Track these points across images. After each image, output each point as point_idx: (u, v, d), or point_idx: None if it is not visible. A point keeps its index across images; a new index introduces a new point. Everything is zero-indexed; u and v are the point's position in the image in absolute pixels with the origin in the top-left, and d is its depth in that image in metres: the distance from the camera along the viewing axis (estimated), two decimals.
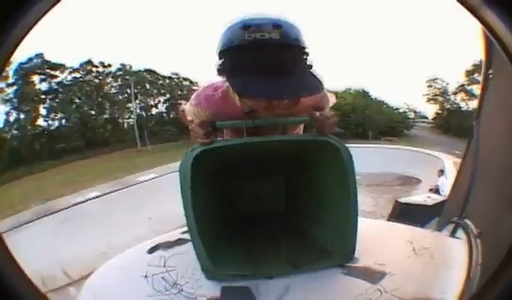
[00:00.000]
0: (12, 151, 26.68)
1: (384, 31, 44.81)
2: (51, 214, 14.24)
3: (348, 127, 37.35)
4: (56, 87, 32.95)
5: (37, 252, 11.57)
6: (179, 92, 43.19)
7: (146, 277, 1.68)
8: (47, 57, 31.75)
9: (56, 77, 32.96)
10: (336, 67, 45.39)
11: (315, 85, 1.43)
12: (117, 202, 16.37)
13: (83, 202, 15.68)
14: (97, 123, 35.16)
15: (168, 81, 42.81)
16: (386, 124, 38.23)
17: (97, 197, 16.39)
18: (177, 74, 43.18)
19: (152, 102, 41.68)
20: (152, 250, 2.02)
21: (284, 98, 1.49)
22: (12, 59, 1.00)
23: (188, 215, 1.58)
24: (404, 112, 42.36)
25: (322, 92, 1.64)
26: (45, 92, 32.15)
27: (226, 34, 1.37)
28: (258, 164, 2.08)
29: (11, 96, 28.91)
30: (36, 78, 31.50)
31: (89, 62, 35.64)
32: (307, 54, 1.42)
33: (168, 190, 12.41)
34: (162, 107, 42.67)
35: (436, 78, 39.94)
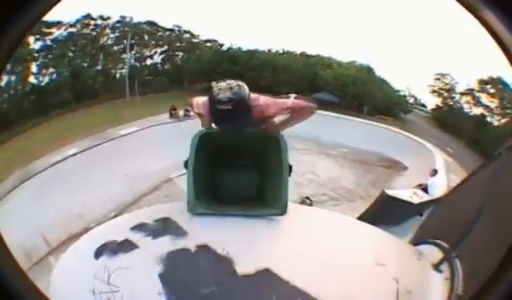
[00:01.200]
0: (1, 114, 25.82)
1: (408, 15, 42.87)
2: (30, 179, 14.01)
3: (344, 98, 37.46)
4: (50, 43, 31.47)
5: (18, 222, 11.52)
6: (178, 44, 43.17)
7: (94, 293, 1.77)
8: (44, 18, 30.08)
9: (51, 34, 31.37)
10: (347, 38, 44.49)
11: (248, 123, 2.77)
12: (96, 159, 16.22)
13: (62, 160, 15.43)
14: (87, 75, 34.06)
15: (167, 33, 42.25)
16: (384, 103, 37.88)
17: (75, 154, 16.13)
18: (178, 26, 42.76)
19: (148, 53, 40.93)
20: (98, 253, 2.12)
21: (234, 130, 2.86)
22: None
23: (190, 165, 2.73)
24: (404, 96, 42.14)
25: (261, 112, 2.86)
26: (38, 51, 30.64)
27: (210, 99, 2.64)
28: (237, 158, 3.50)
29: None
30: (31, 39, 29.66)
31: (88, 16, 34.36)
32: (248, 106, 2.66)
33: (148, 144, 14.47)
34: (157, 58, 42.11)
35: (446, 74, 39.65)
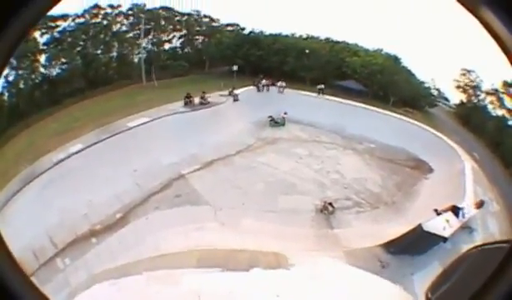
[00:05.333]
0: (10, 108, 25.58)
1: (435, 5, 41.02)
2: (35, 179, 13.56)
3: (371, 87, 36.10)
4: (58, 35, 31.06)
5: (25, 224, 11.33)
6: (197, 29, 42.54)
7: None
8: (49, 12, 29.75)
9: (58, 27, 31.03)
10: (371, 25, 43.00)
11: None
12: (102, 154, 15.47)
13: (67, 158, 14.84)
14: (100, 62, 33.73)
15: (186, 17, 41.60)
16: (411, 95, 36.37)
17: (81, 150, 15.44)
18: (197, 11, 42.21)
19: (165, 38, 40.45)
20: None
21: None
22: None
23: None
24: (429, 88, 40.34)
25: None
26: (46, 43, 30.24)
27: None
28: None
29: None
30: (37, 34, 29.33)
31: (96, 6, 33.91)
32: None
33: (158, 137, 13.76)
34: (176, 42, 41.53)
35: (473, 71, 38.20)
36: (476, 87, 38.21)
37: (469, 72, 38.33)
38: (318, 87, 30.10)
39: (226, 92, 26.04)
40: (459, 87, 39.44)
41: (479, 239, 11.76)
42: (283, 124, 26.14)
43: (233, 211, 14.63)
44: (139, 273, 8.15)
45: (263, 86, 29.31)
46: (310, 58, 38.60)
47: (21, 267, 1.22)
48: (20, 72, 27.53)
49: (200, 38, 43.17)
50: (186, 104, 22.33)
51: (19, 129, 20.90)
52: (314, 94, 29.65)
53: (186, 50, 42.16)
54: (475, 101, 38.21)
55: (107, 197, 14.28)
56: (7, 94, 26.56)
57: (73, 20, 32.14)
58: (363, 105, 28.24)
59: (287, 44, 40.50)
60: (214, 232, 13.14)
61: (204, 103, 22.90)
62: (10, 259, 1.21)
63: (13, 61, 26.44)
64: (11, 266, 1.20)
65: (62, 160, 14.60)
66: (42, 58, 29.68)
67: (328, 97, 29.34)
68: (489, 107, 36.47)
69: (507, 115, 34.01)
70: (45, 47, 29.88)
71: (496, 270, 1.19)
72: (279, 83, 29.62)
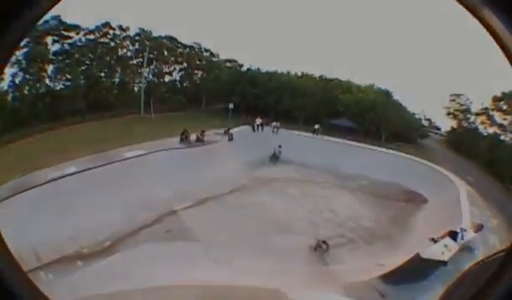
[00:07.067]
0: (12, 111, 26.11)
1: (423, 36, 42.61)
2: (27, 190, 13.53)
3: (363, 124, 36.53)
4: (68, 47, 31.82)
5: (12, 232, 10.95)
6: (197, 62, 43.49)
7: None
8: (63, 18, 30.62)
9: (70, 37, 31.88)
10: (364, 62, 44.15)
11: None
12: (96, 181, 15.38)
13: (60, 177, 14.82)
14: (101, 86, 34.09)
15: (187, 50, 42.45)
16: (403, 129, 36.91)
17: (75, 173, 15.44)
18: (198, 44, 43.27)
19: (166, 70, 41.09)
20: None
21: None
22: None
23: None
24: (420, 119, 41.79)
25: None
26: (55, 53, 31.00)
27: None
28: None
29: (19, 58, 27.60)
30: (49, 39, 30.41)
31: (107, 25, 34.79)
32: None
33: (152, 171, 13.57)
34: (176, 75, 42.41)
35: (461, 94, 39.63)
36: (466, 111, 39.45)
37: (458, 96, 39.81)
38: (315, 127, 30.71)
39: (221, 131, 26.34)
40: (449, 113, 40.89)
41: (481, 256, 11.58)
42: (279, 157, 26.88)
43: (226, 249, 14.19)
44: None
45: (258, 126, 29.72)
46: (305, 97, 39.22)
47: (20, 267, 1.24)
48: (27, 76, 28.30)
49: (199, 73, 44.03)
50: (182, 140, 22.51)
51: (17, 137, 21.42)
52: (308, 134, 30.27)
53: (185, 84, 42.95)
54: (466, 125, 39.30)
55: (97, 223, 14.01)
56: (11, 95, 27.52)
57: (85, 34, 33.17)
58: (356, 143, 28.85)
59: (282, 82, 41.20)
60: (206, 269, 12.61)
61: (201, 141, 23.19)
62: (10, 258, 1.22)
63: (23, 61, 27.78)
64: (11, 265, 1.21)
65: (55, 179, 14.55)
66: (50, 69, 30.54)
67: (321, 136, 29.86)
68: (480, 127, 37.99)
69: (498, 131, 35.21)
70: (54, 58, 30.74)
71: (496, 270, 1.19)
72: (274, 123, 30.13)
